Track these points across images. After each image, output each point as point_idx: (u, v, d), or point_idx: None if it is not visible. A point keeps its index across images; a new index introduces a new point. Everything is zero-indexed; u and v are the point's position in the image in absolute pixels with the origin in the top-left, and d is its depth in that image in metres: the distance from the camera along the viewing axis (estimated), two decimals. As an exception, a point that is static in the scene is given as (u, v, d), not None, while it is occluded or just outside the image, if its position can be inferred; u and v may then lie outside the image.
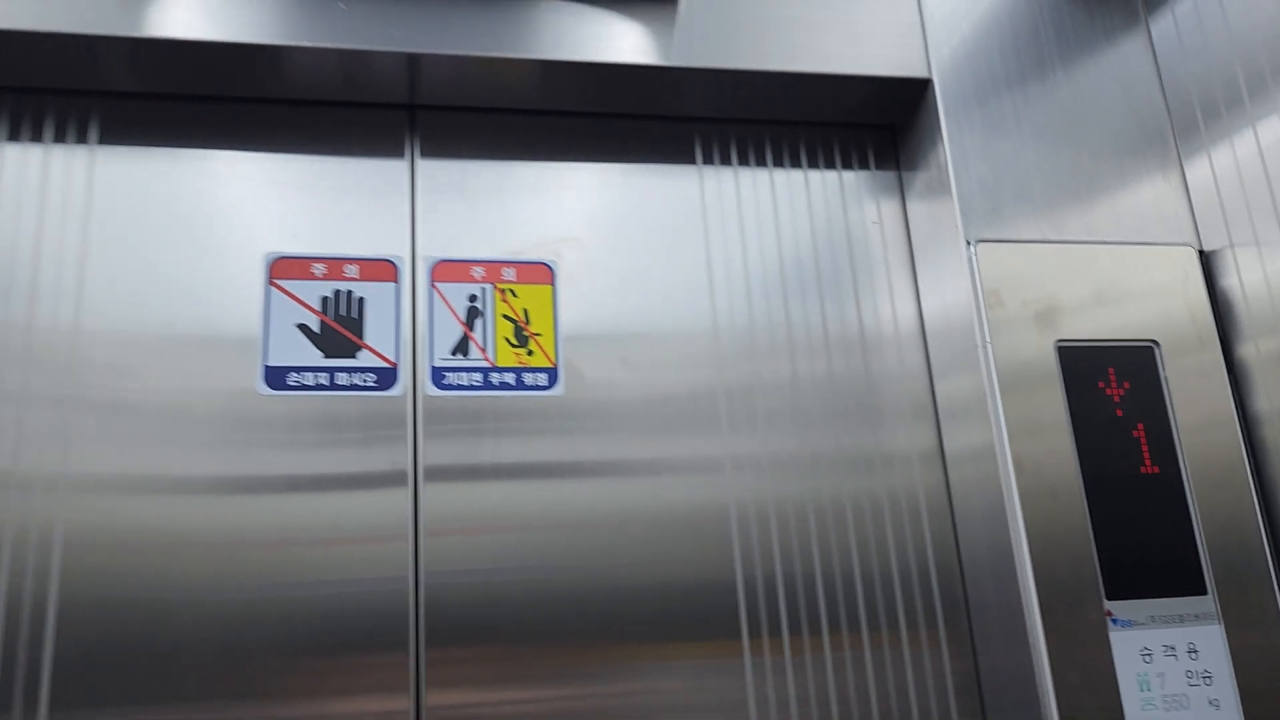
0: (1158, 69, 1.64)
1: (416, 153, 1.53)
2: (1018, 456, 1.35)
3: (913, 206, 1.63)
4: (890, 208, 1.66)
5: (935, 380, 1.56)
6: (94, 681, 1.23)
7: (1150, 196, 1.55)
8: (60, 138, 1.43)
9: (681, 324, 1.52)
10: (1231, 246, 1.46)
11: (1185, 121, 1.59)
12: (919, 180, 1.61)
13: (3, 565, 1.25)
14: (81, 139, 1.43)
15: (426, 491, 1.37)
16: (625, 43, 1.47)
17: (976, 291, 1.41)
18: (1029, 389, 1.38)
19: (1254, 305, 1.43)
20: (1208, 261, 1.50)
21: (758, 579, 1.42)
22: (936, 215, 1.54)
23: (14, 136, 1.41)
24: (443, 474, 1.38)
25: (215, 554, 1.30)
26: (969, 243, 1.45)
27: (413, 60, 1.44)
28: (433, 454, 1.39)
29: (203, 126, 1.47)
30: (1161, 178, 1.56)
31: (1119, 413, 1.38)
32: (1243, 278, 1.45)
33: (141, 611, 1.26)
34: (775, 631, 1.41)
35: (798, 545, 1.45)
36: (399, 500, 1.36)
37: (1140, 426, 1.37)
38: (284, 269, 1.42)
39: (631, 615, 1.38)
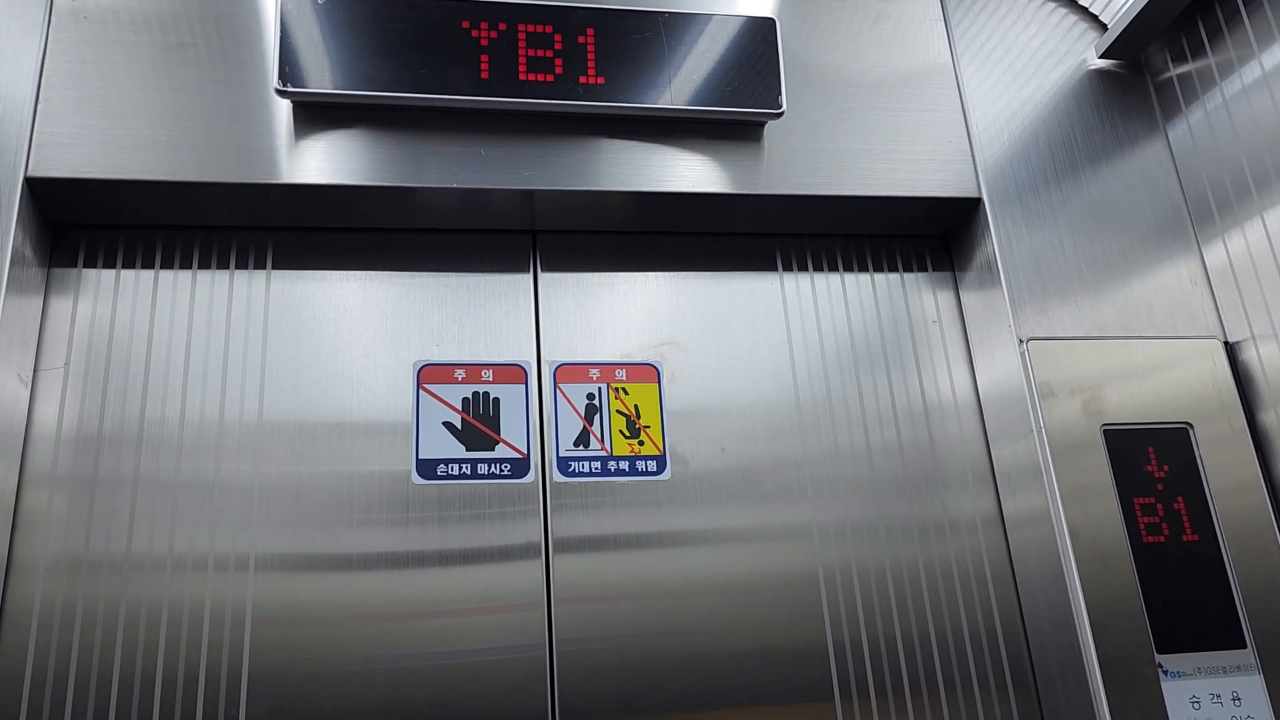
0: (1176, 168, 1.86)
1: (538, 268, 1.77)
2: (1072, 527, 1.54)
3: (968, 304, 1.85)
4: (947, 304, 1.88)
5: (994, 454, 1.76)
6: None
7: (1177, 290, 1.75)
8: (242, 265, 1.68)
9: (769, 403, 1.74)
10: (1254, 339, 1.67)
11: (1201, 212, 1.80)
12: (972, 281, 1.83)
13: (205, 639, 1.46)
14: (260, 265, 1.68)
15: (557, 563, 1.58)
16: (715, 175, 1.71)
17: (1030, 385, 1.62)
18: (1079, 468, 1.58)
19: (1273, 380, 1.63)
20: (1232, 350, 1.70)
21: (845, 642, 1.61)
22: (990, 314, 1.76)
23: (204, 265, 1.67)
24: (570, 546, 1.60)
25: (379, 625, 1.50)
26: (1021, 341, 1.66)
27: (528, 195, 1.68)
28: (561, 528, 1.60)
29: (358, 252, 1.72)
30: (1185, 267, 1.77)
31: (1160, 487, 1.58)
32: (1263, 359, 1.65)
33: (319, 680, 1.47)
34: (864, 694, 1.59)
35: (879, 609, 1.64)
36: (534, 571, 1.57)
37: (1180, 499, 1.57)
38: (431, 374, 1.65)
39: (738, 680, 1.56)
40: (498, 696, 1.49)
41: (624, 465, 1.64)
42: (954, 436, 1.78)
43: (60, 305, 1.61)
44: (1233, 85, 1.74)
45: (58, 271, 1.63)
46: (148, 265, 1.65)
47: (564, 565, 1.58)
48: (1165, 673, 1.48)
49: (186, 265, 1.66)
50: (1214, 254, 1.77)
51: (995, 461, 1.76)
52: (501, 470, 1.61)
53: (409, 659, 1.49)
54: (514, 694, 1.50)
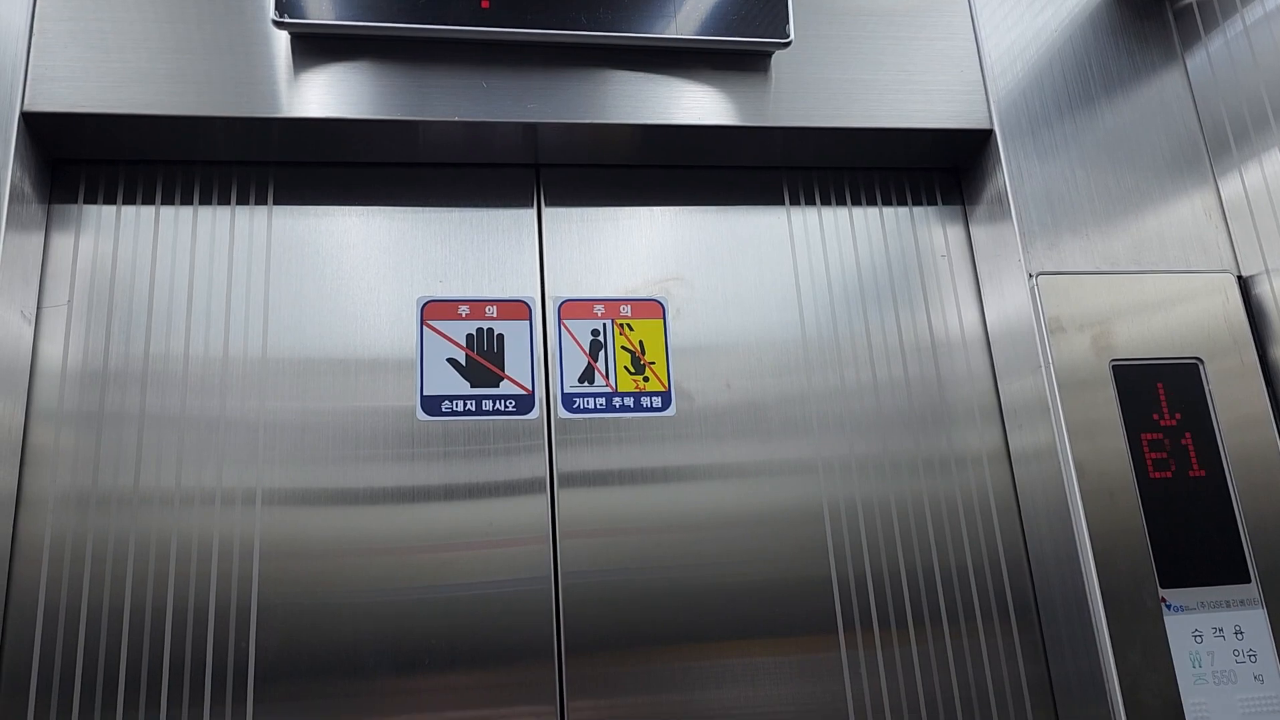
0: (1193, 99, 1.82)
1: (542, 202, 1.75)
2: (1079, 462, 1.54)
3: (977, 238, 1.83)
4: (956, 238, 1.85)
5: (1001, 390, 1.75)
6: (288, 673, 1.46)
7: (1191, 224, 1.72)
8: (243, 200, 1.67)
9: (775, 339, 1.73)
10: (1267, 272, 1.64)
11: (1218, 144, 1.77)
12: (982, 215, 1.80)
13: (214, 571, 1.48)
14: (261, 201, 1.67)
15: (562, 497, 1.59)
16: (721, 107, 1.68)
17: (1039, 320, 1.61)
18: (1087, 403, 1.57)
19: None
20: (1245, 285, 1.68)
21: (849, 576, 1.62)
22: (999, 248, 1.73)
23: (205, 201, 1.65)
24: (575, 481, 1.60)
25: (385, 559, 1.52)
26: (1031, 275, 1.64)
27: (531, 128, 1.65)
28: (566, 463, 1.60)
29: (360, 187, 1.70)
30: (1199, 200, 1.74)
31: (1168, 423, 1.57)
32: (1276, 293, 1.62)
33: (327, 611, 1.48)
34: (867, 626, 1.61)
35: (884, 543, 1.65)
36: (539, 506, 1.58)
37: (1188, 435, 1.56)
38: (434, 311, 1.64)
39: (741, 612, 1.58)
40: (504, 628, 1.51)
41: (629, 401, 1.64)
42: (961, 372, 1.77)
43: (62, 241, 1.60)
44: (1254, 11, 1.69)
45: (58, 208, 1.62)
46: (148, 201, 1.64)
47: (569, 500, 1.58)
48: (1168, 606, 1.48)
49: (187, 201, 1.65)
50: (1230, 187, 1.74)
51: (1003, 397, 1.75)
52: (506, 407, 1.61)
53: (415, 592, 1.51)
54: (520, 625, 1.51)
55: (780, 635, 1.58)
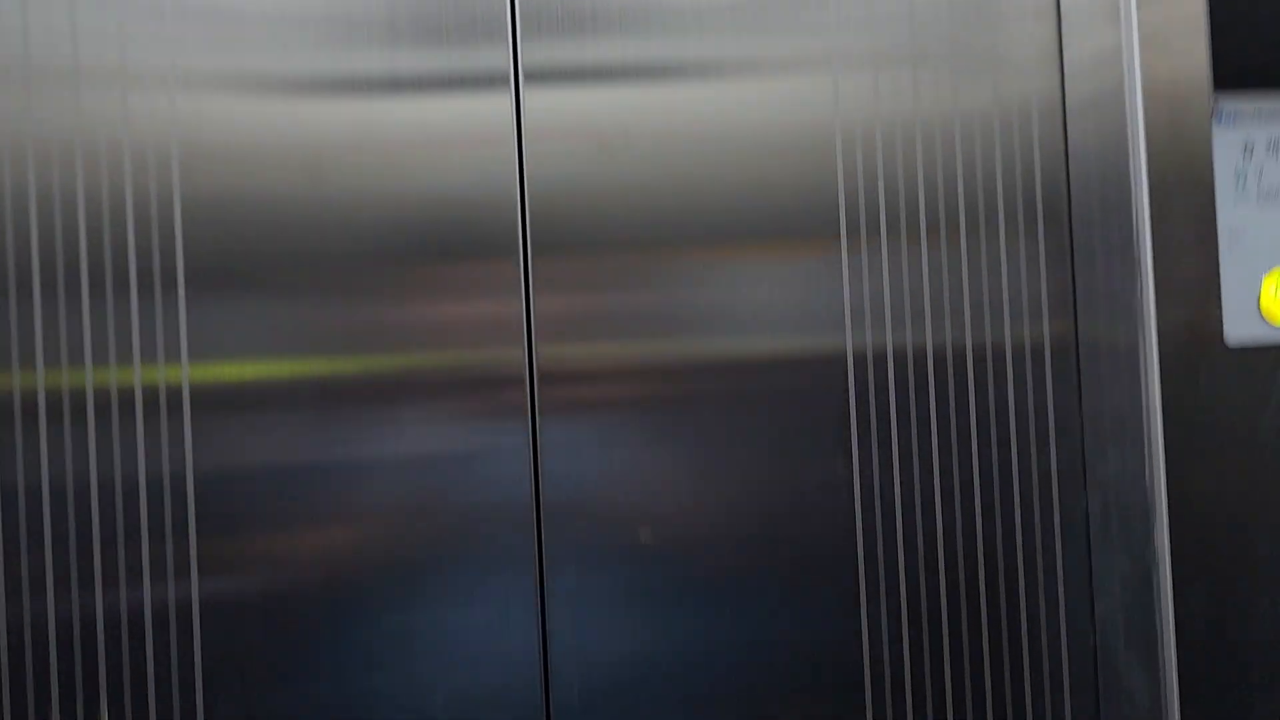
0: None
1: None
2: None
3: None
4: None
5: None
6: (223, 267, 1.32)
7: None
8: None
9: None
10: None
11: None
12: None
13: (126, 163, 1.30)
14: None
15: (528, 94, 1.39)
16: None
17: None
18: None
19: None
20: None
21: (859, 188, 1.42)
22: None
23: None
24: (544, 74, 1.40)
25: (328, 158, 1.34)
26: None
27: None
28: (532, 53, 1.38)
29: None
30: None
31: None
32: None
33: (259, 214, 1.33)
34: (873, 229, 1.42)
35: (901, 152, 1.43)
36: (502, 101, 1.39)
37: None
38: None
39: (729, 216, 1.41)
40: (467, 224, 1.36)
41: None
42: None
43: None
44: None
45: None
46: None
47: (536, 97, 1.38)
48: (1219, 119, 1.30)
49: None
50: None
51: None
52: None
53: (363, 192, 1.34)
54: (483, 223, 1.37)
55: (769, 236, 1.42)
